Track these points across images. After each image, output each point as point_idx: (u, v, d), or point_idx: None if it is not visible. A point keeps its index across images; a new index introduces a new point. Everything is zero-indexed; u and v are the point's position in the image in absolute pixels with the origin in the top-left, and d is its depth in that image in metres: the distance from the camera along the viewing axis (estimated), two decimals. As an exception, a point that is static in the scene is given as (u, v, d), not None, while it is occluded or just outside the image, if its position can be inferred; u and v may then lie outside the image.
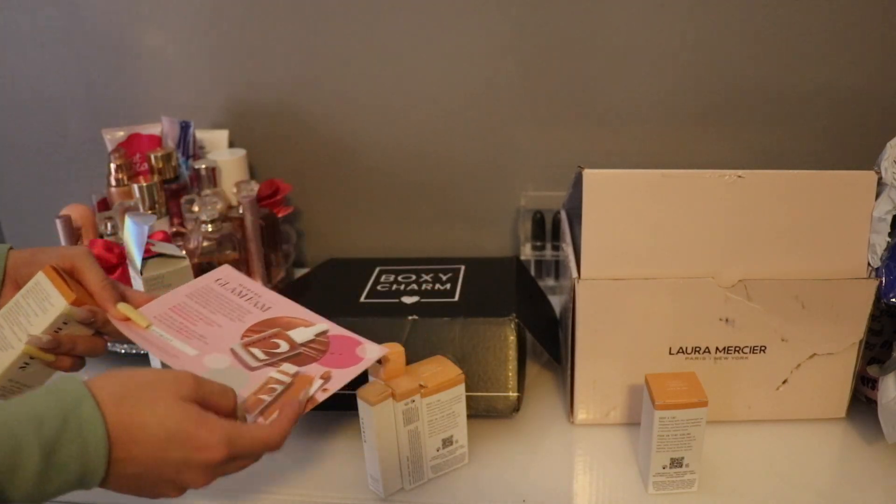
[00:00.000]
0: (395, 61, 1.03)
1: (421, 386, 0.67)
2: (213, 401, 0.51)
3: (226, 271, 0.71)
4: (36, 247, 0.64)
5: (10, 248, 0.63)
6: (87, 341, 0.62)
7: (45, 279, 0.61)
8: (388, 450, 0.67)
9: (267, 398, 0.57)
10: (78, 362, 0.62)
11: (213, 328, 0.64)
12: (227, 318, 0.65)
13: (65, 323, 0.60)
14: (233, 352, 0.62)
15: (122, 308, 0.62)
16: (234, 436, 0.49)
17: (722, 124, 1.01)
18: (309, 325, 0.66)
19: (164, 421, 0.47)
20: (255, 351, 0.62)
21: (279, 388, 0.58)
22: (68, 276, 0.62)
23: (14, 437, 0.42)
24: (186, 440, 0.48)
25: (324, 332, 0.65)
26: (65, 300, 0.59)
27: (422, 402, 0.67)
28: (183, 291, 0.68)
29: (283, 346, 0.63)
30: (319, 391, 0.59)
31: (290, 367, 0.60)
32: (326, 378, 0.60)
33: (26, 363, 0.59)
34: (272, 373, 0.60)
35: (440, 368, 0.70)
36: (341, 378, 0.61)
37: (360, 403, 0.65)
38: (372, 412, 0.65)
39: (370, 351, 0.65)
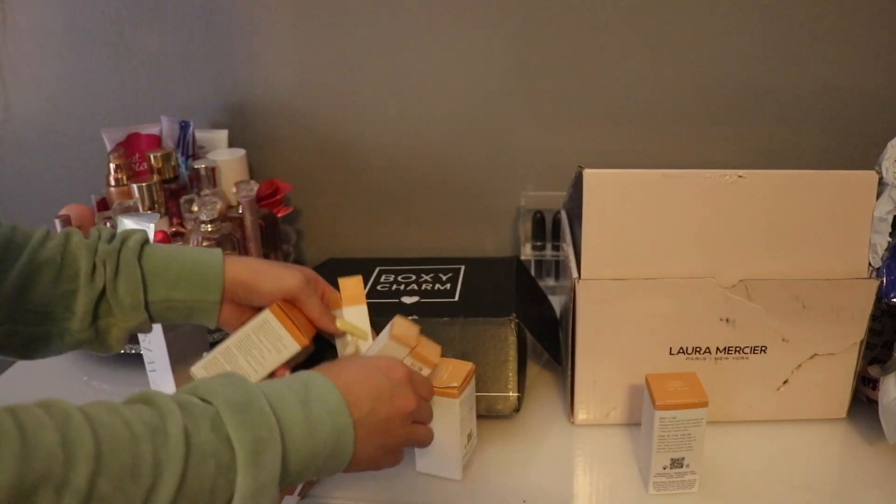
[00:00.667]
0: (395, 61, 1.03)
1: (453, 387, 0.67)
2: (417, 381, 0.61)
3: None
4: (250, 260, 0.69)
5: (226, 258, 0.67)
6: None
7: (276, 321, 0.66)
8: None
9: None
10: None
11: None
12: None
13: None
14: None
15: (341, 325, 0.69)
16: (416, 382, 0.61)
17: (722, 124, 1.01)
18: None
19: (373, 381, 0.57)
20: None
21: None
22: (290, 309, 0.67)
23: (277, 396, 0.50)
24: (389, 397, 0.57)
25: None
26: (298, 344, 0.66)
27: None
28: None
29: None
30: None
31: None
32: None
33: None
34: None
35: (452, 367, 0.70)
36: None
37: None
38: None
39: None
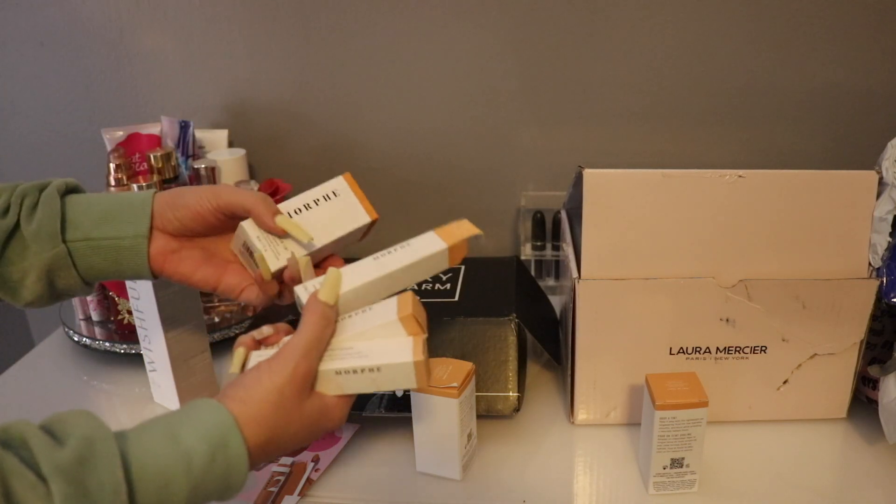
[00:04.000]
0: (395, 61, 1.03)
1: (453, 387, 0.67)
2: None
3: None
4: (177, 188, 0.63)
5: (156, 193, 0.61)
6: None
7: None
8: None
9: (274, 490, 0.70)
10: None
11: None
12: None
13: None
14: None
15: (281, 221, 0.60)
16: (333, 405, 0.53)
17: (722, 124, 1.01)
18: None
19: (299, 433, 0.51)
20: None
21: (281, 478, 0.71)
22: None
23: (164, 476, 0.44)
24: (317, 430, 0.52)
25: None
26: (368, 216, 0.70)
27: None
28: None
29: None
30: (313, 472, 0.72)
31: (286, 460, 0.74)
32: (316, 460, 0.74)
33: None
34: (274, 467, 0.73)
35: (452, 367, 0.70)
36: (327, 457, 0.74)
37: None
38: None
39: (345, 430, 0.77)
